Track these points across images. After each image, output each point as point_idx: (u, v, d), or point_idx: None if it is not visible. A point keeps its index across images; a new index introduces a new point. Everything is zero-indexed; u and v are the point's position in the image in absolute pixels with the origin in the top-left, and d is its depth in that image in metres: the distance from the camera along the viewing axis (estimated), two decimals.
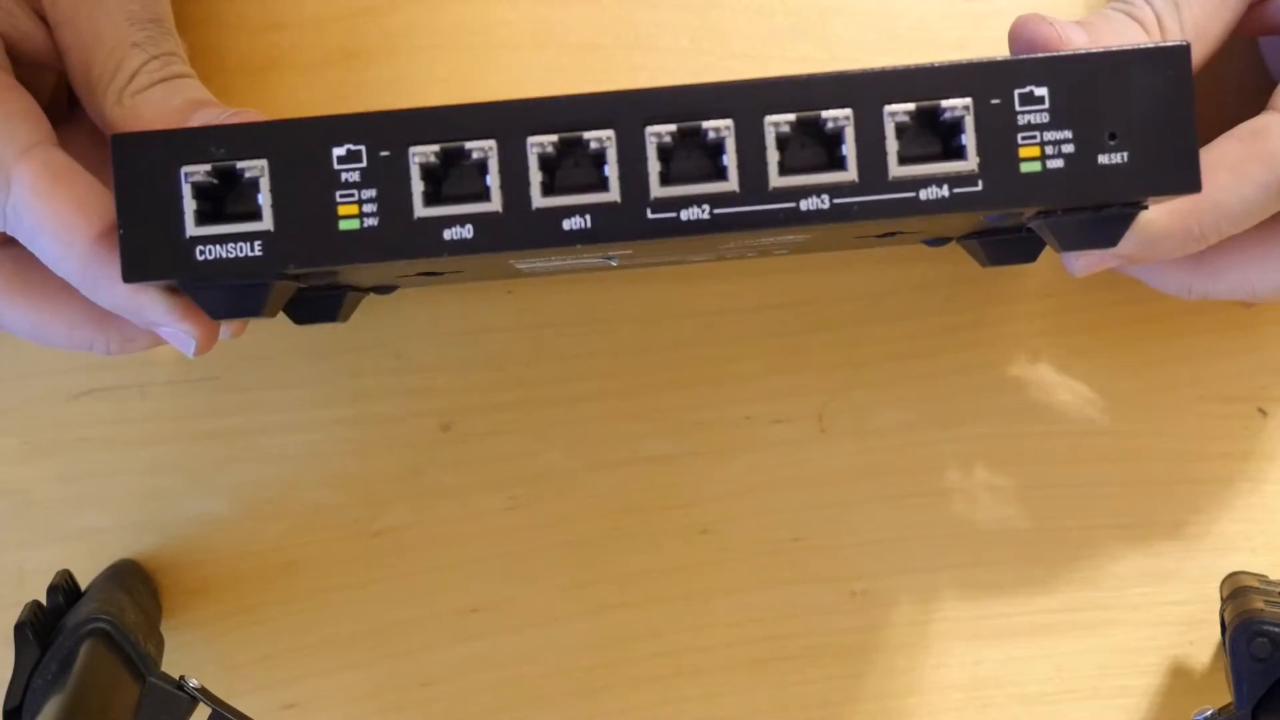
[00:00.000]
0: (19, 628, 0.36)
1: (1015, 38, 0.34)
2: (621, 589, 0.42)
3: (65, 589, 0.38)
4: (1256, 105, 0.35)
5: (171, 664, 0.38)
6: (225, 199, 0.30)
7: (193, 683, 0.36)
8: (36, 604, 0.37)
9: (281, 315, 0.38)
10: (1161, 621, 0.41)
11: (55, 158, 0.33)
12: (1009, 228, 0.37)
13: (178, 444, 0.42)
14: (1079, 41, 0.33)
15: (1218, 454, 0.42)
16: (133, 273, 0.30)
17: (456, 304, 0.42)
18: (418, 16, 0.42)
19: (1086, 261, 0.35)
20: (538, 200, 0.30)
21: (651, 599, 0.42)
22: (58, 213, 0.32)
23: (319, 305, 0.37)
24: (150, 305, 0.33)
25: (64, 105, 0.39)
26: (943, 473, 0.42)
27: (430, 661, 0.41)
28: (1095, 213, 0.31)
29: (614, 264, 0.36)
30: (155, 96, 0.34)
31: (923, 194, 0.30)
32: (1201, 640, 0.41)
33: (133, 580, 0.40)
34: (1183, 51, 0.30)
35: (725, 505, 0.42)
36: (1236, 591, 0.38)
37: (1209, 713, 0.37)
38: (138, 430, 0.42)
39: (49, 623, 0.37)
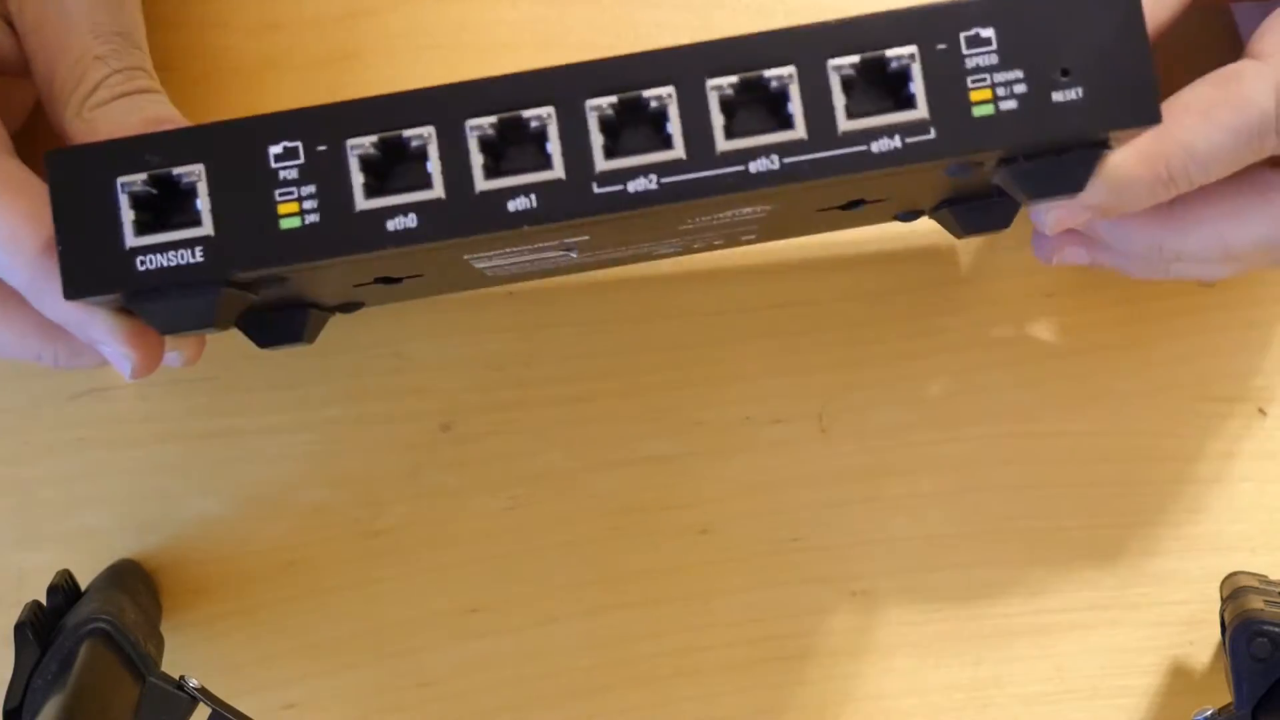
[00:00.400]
0: (19, 628, 0.36)
1: None
2: (621, 589, 0.42)
3: (65, 589, 0.38)
4: None
5: (171, 664, 0.38)
6: (164, 208, 0.30)
7: (193, 683, 0.36)
8: (36, 604, 0.37)
9: None
10: (1161, 621, 0.41)
11: (7, 166, 0.33)
12: (978, 193, 0.36)
13: (178, 444, 0.42)
14: None
15: (1218, 454, 0.42)
16: (73, 289, 0.29)
17: (456, 304, 0.42)
18: (418, 16, 0.42)
19: (1057, 216, 0.34)
20: (481, 184, 0.29)
21: (651, 599, 0.42)
22: (5, 222, 0.32)
23: (282, 326, 0.36)
24: (93, 322, 0.32)
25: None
26: (943, 473, 0.42)
27: (430, 661, 0.41)
28: (1058, 156, 0.30)
29: (574, 255, 0.35)
30: (114, 112, 0.34)
31: (874, 146, 0.29)
32: (1201, 640, 0.41)
33: (133, 580, 0.40)
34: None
35: (725, 505, 0.42)
36: (1236, 591, 0.38)
37: (1209, 713, 0.37)
38: (137, 430, 0.42)
39: (49, 623, 0.37)
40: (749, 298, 0.42)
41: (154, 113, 0.34)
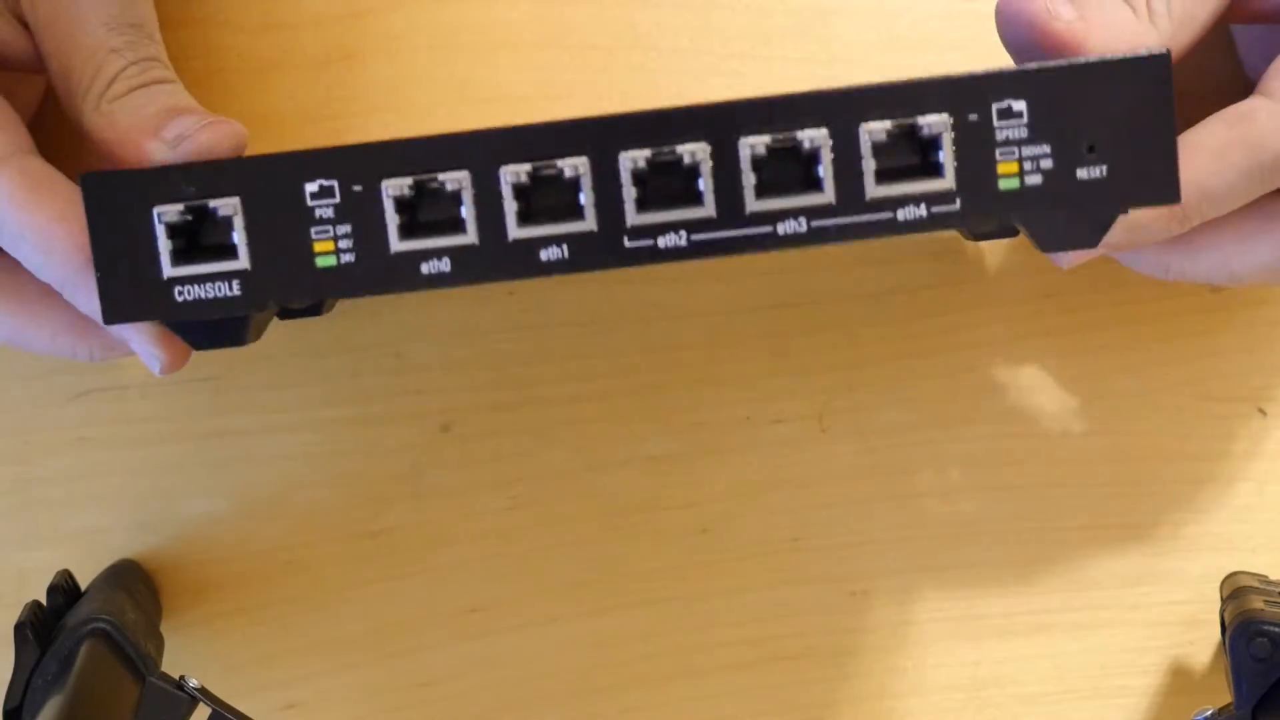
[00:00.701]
0: (19, 628, 0.36)
1: (1002, 17, 0.33)
2: (621, 589, 0.42)
3: (65, 589, 0.38)
4: (1235, 96, 0.35)
5: (171, 664, 0.38)
6: (201, 236, 0.30)
7: (193, 683, 0.36)
8: (36, 604, 0.37)
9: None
10: (1161, 621, 0.41)
11: (33, 166, 0.33)
12: None
13: (178, 444, 0.42)
14: (1066, 15, 0.32)
15: (1218, 454, 0.42)
16: (113, 315, 0.30)
17: (457, 304, 0.42)
18: (418, 16, 0.42)
19: (1072, 257, 0.35)
20: (514, 231, 0.30)
21: (651, 599, 0.42)
22: (37, 223, 0.32)
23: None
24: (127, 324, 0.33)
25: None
26: (943, 473, 0.42)
27: (430, 661, 0.41)
28: (1075, 214, 0.30)
29: None
30: (131, 103, 0.34)
31: (900, 214, 0.30)
32: (1201, 640, 0.41)
33: (133, 580, 0.40)
34: (1163, 60, 0.29)
35: (725, 505, 0.42)
36: (1236, 591, 0.38)
37: (1209, 713, 0.37)
38: (138, 430, 0.42)
39: (49, 623, 0.37)
40: (749, 298, 0.42)
41: (171, 102, 0.34)
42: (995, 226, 0.34)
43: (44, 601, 0.37)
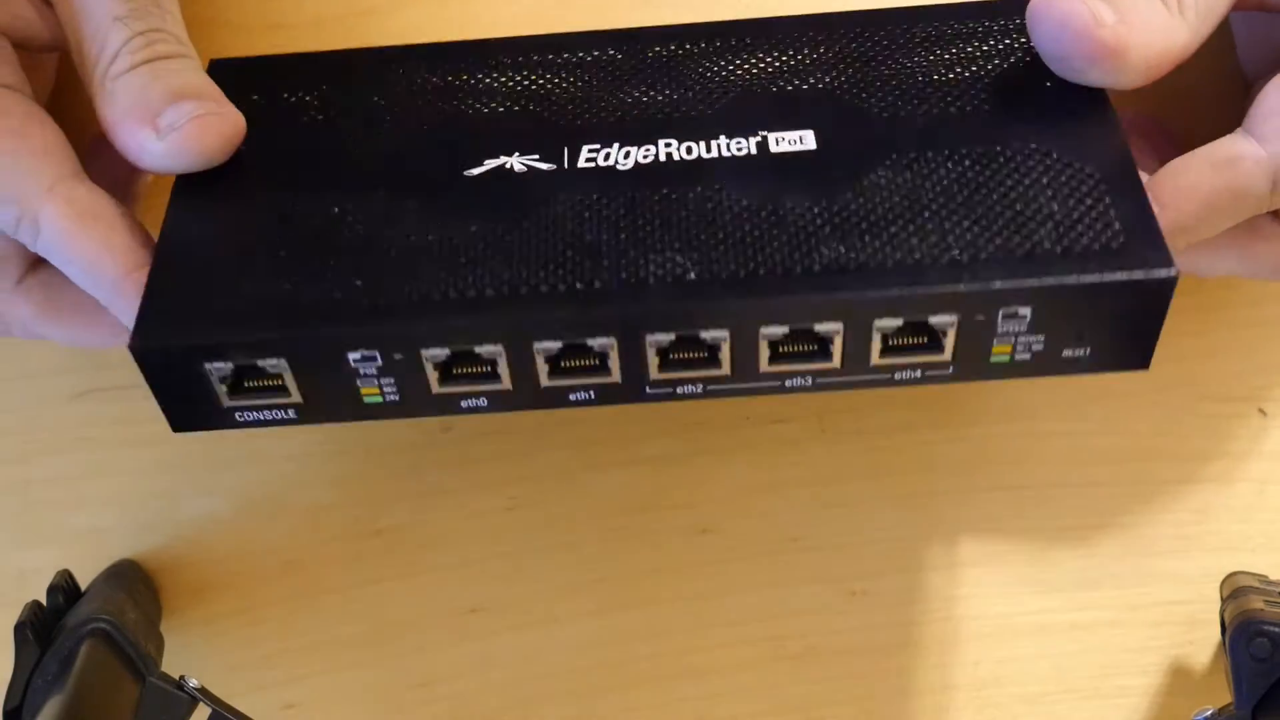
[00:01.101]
0: (19, 628, 0.36)
1: (1041, 25, 0.33)
2: (621, 589, 0.42)
3: (65, 589, 0.38)
4: (1234, 93, 0.36)
5: (171, 664, 0.38)
6: (254, 378, 0.32)
7: (193, 683, 0.36)
8: (36, 604, 0.37)
9: None
10: (1161, 621, 0.41)
11: (79, 194, 0.34)
12: None
13: (178, 444, 0.42)
14: (1110, 20, 0.32)
15: (1218, 454, 0.42)
16: (180, 428, 0.33)
17: None
18: (418, 18, 0.42)
19: None
20: (545, 381, 0.32)
21: (651, 599, 0.42)
22: (85, 254, 0.33)
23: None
24: None
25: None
26: (943, 473, 0.42)
27: (430, 661, 0.41)
28: None
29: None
30: (133, 82, 0.34)
31: (897, 375, 0.32)
32: (1201, 640, 0.41)
33: (133, 580, 0.40)
34: (1171, 282, 0.30)
35: (725, 505, 0.42)
36: (1236, 591, 0.38)
37: (1209, 713, 0.37)
38: (138, 430, 0.42)
39: (49, 623, 0.37)
40: None
41: (178, 83, 0.34)
42: None
43: (44, 601, 0.37)
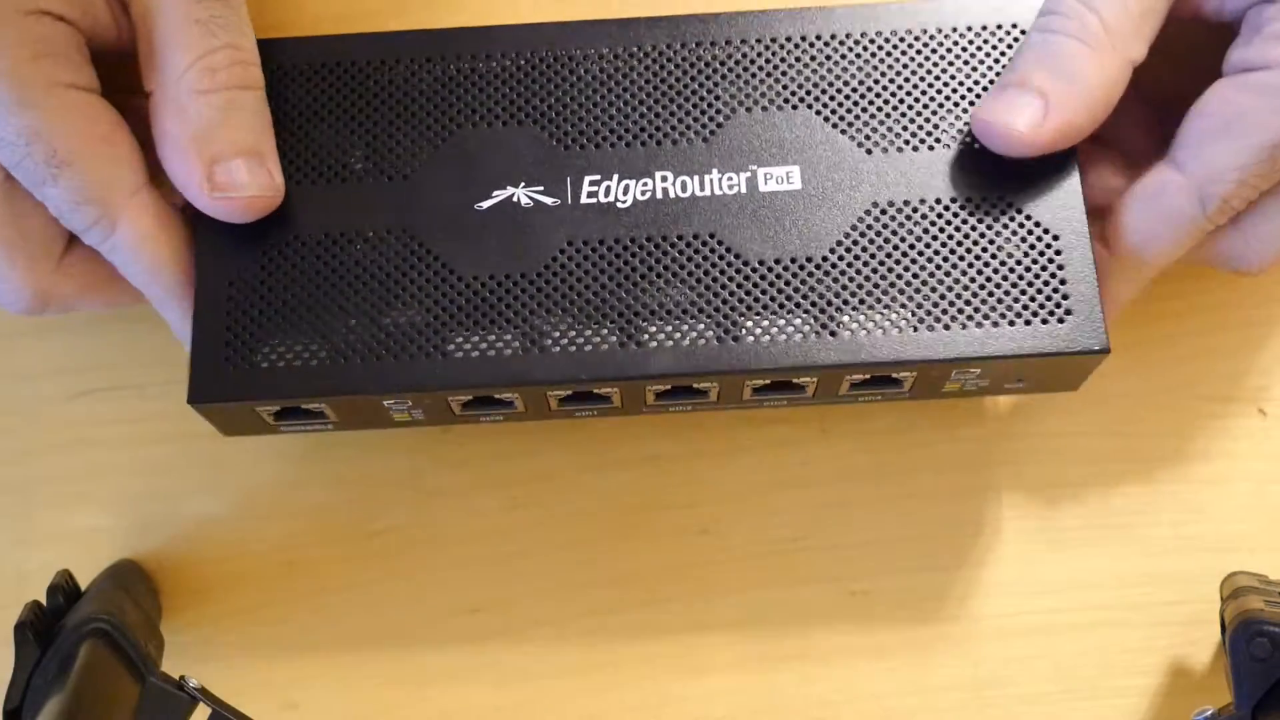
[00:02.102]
0: (19, 628, 0.36)
1: (981, 135, 0.37)
2: (621, 589, 0.42)
3: (65, 589, 0.38)
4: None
5: (171, 664, 0.38)
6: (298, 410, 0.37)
7: (193, 683, 0.36)
8: (36, 604, 0.37)
9: None
10: (1161, 621, 0.41)
11: (156, 204, 0.36)
12: None
13: (178, 444, 0.42)
14: (1024, 122, 0.36)
15: (1218, 454, 0.42)
16: (229, 434, 0.38)
17: None
18: (417, 18, 0.42)
19: None
20: (555, 407, 0.37)
21: (651, 599, 0.42)
22: (157, 262, 0.36)
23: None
24: None
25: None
26: (943, 473, 0.42)
27: (430, 661, 0.41)
28: None
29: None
30: (208, 112, 0.35)
31: (861, 397, 0.38)
32: (1201, 640, 0.41)
33: (133, 580, 0.40)
34: (1100, 354, 0.36)
35: (725, 505, 0.42)
36: (1236, 591, 0.38)
37: (1209, 713, 0.37)
38: (138, 430, 0.42)
39: (49, 623, 0.37)
40: None
41: (246, 138, 0.36)
42: None
43: (44, 601, 0.37)
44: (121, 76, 0.37)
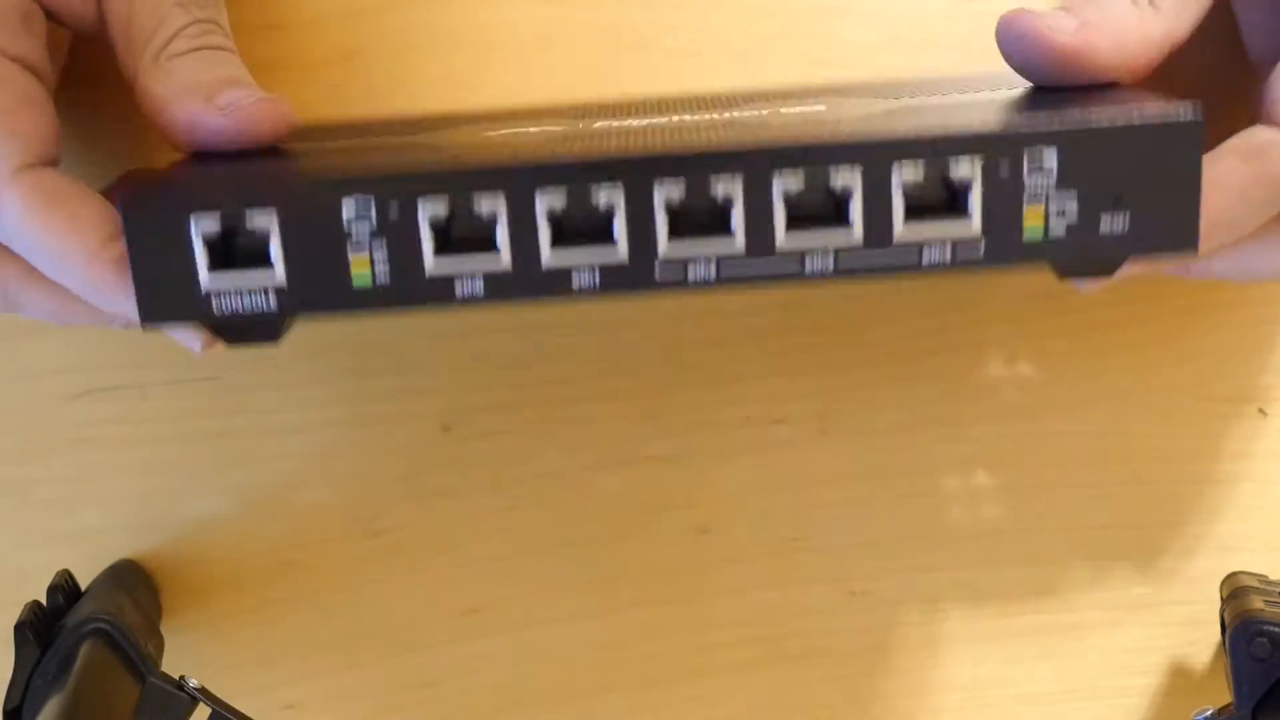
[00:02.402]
0: (19, 628, 0.36)
1: (1004, 39, 0.34)
2: (621, 589, 0.42)
3: (65, 589, 0.38)
4: (1236, 67, 0.36)
5: (171, 664, 0.38)
6: (238, 248, 0.31)
7: (193, 683, 0.36)
8: (36, 604, 0.37)
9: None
10: (1161, 621, 0.41)
11: (46, 179, 0.33)
12: None
13: (178, 444, 0.42)
14: (1067, 28, 0.33)
15: (1218, 454, 0.42)
16: (150, 319, 0.31)
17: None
18: (418, 17, 0.42)
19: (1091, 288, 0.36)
20: (547, 258, 0.30)
21: (651, 599, 0.42)
22: (52, 235, 0.33)
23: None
24: None
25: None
26: (943, 473, 0.42)
27: (430, 661, 0.41)
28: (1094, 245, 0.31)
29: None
30: (190, 63, 0.34)
31: (925, 256, 0.30)
32: (1201, 640, 0.41)
33: (133, 580, 0.40)
34: (1197, 127, 0.30)
35: (725, 505, 0.42)
36: (1236, 591, 0.38)
37: (1209, 713, 0.37)
38: (138, 430, 0.42)
39: (49, 623, 0.37)
40: (749, 298, 0.42)
41: (229, 73, 0.34)
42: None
43: (44, 601, 0.37)
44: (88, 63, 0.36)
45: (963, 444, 0.42)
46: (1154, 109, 0.30)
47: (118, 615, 0.36)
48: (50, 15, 0.35)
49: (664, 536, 0.42)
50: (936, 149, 0.30)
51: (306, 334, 0.41)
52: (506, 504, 0.42)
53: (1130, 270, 0.36)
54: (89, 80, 0.39)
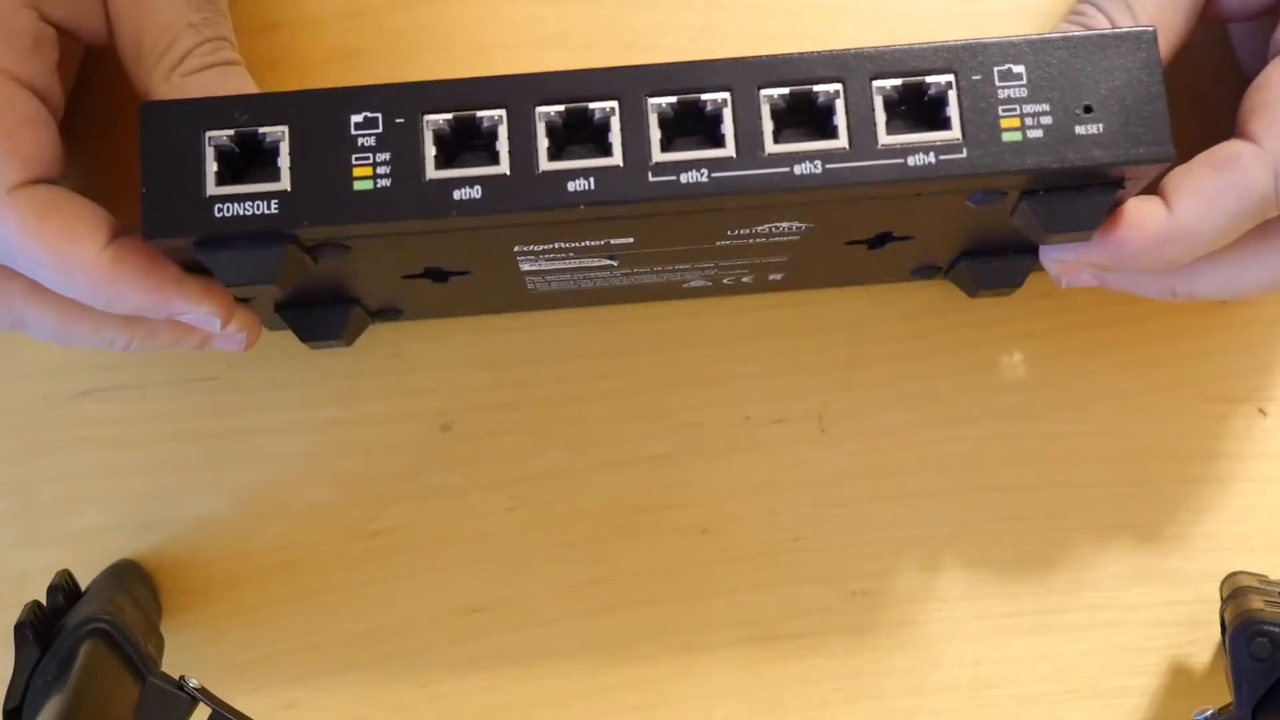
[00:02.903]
0: (19, 628, 0.36)
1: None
2: (621, 589, 0.42)
3: (65, 589, 0.38)
4: (1233, 91, 0.36)
5: (171, 664, 0.38)
6: (246, 166, 0.31)
7: (193, 683, 0.36)
8: (36, 604, 0.37)
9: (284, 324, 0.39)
10: (1161, 621, 0.41)
11: (40, 193, 0.34)
12: (994, 247, 0.38)
13: (178, 444, 0.42)
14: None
15: (1218, 454, 0.42)
16: (152, 230, 0.31)
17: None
18: (417, 16, 0.42)
19: (1067, 274, 0.37)
20: (544, 164, 0.31)
21: (651, 599, 0.42)
22: (50, 245, 0.33)
23: (324, 322, 0.38)
24: (170, 298, 0.34)
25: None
26: (943, 473, 0.42)
27: (430, 661, 0.41)
28: (1076, 192, 0.32)
29: (615, 266, 0.36)
30: (203, 81, 0.35)
31: (910, 160, 0.31)
32: (1201, 640, 0.41)
33: (133, 580, 0.40)
34: (1150, 36, 0.32)
35: (725, 505, 0.42)
36: (1236, 591, 0.38)
37: (1209, 713, 0.37)
38: (138, 430, 0.42)
39: (49, 623, 0.37)
40: (749, 298, 0.42)
41: (239, 87, 0.36)
42: (998, 224, 0.35)
43: (44, 601, 0.37)
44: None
45: (963, 444, 0.42)
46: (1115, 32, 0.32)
47: (118, 615, 0.36)
48: (61, 31, 0.36)
49: (664, 536, 0.42)
50: (910, 60, 0.32)
51: None
52: (506, 504, 0.42)
53: (1118, 286, 0.37)
54: (101, 96, 0.39)
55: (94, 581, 0.40)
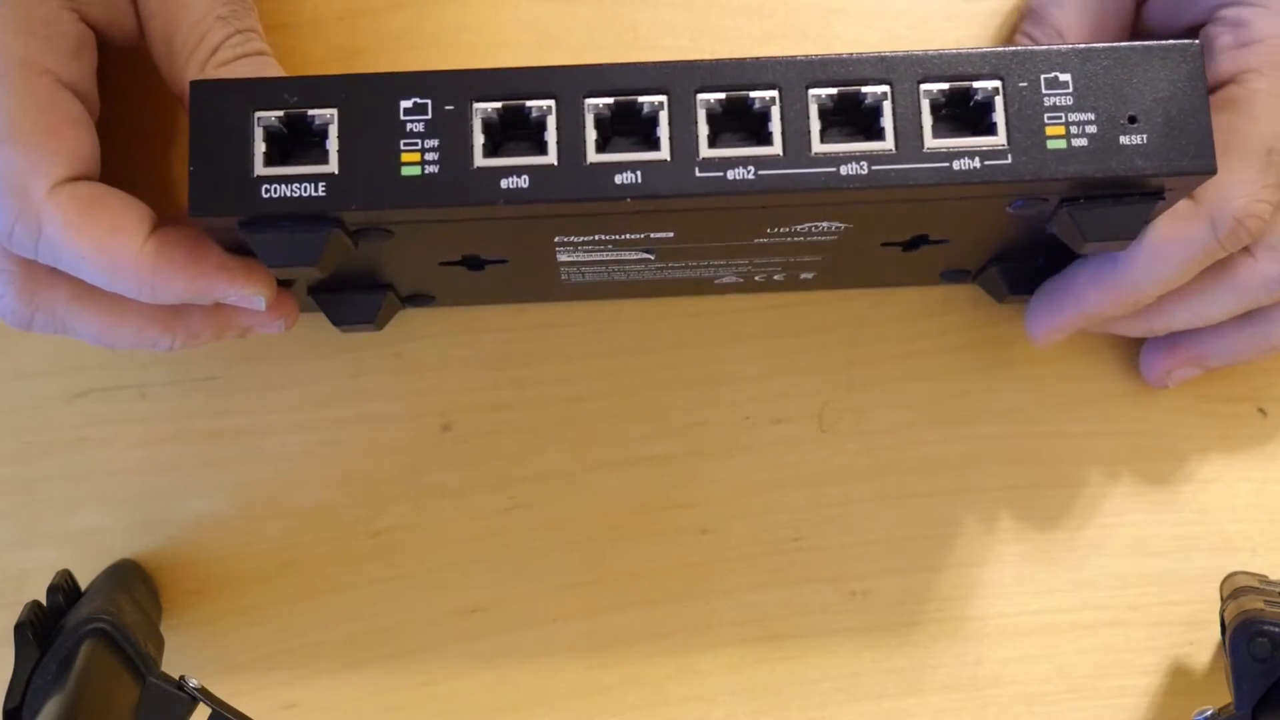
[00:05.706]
0: (19, 628, 0.35)
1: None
2: (621, 589, 0.42)
3: (65, 589, 0.38)
4: None
5: (171, 664, 0.38)
6: (294, 146, 0.31)
7: (193, 683, 0.36)
8: (36, 604, 0.37)
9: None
10: (1161, 621, 0.41)
11: (83, 189, 0.34)
12: (1025, 253, 0.38)
13: (178, 444, 0.42)
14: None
15: (1218, 454, 0.42)
16: (199, 208, 0.31)
17: (456, 303, 0.42)
18: (418, 16, 0.42)
19: (1045, 333, 0.40)
20: (591, 156, 0.31)
21: (651, 599, 0.42)
22: (95, 239, 0.34)
23: (357, 306, 0.39)
24: (214, 283, 0.34)
25: None
26: (943, 473, 0.42)
27: (430, 661, 0.41)
28: (1117, 201, 0.32)
29: (651, 260, 0.36)
30: (237, 71, 0.36)
31: (956, 164, 0.31)
32: (1201, 640, 0.41)
33: (133, 580, 0.40)
34: (1195, 49, 0.32)
35: (725, 505, 0.42)
36: (1236, 591, 0.38)
37: (1209, 713, 0.37)
38: (138, 430, 0.42)
39: (49, 623, 0.37)
40: (749, 298, 0.42)
41: (273, 75, 0.36)
42: (1034, 230, 0.35)
43: (44, 601, 0.37)
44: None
45: (962, 444, 0.42)
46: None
47: (118, 615, 0.36)
48: (96, 33, 0.36)
49: (664, 536, 0.42)
50: (958, 66, 0.32)
51: (307, 333, 0.42)
52: (506, 504, 0.42)
53: (1102, 330, 0.40)
54: (130, 99, 0.39)
55: (94, 581, 0.40)
